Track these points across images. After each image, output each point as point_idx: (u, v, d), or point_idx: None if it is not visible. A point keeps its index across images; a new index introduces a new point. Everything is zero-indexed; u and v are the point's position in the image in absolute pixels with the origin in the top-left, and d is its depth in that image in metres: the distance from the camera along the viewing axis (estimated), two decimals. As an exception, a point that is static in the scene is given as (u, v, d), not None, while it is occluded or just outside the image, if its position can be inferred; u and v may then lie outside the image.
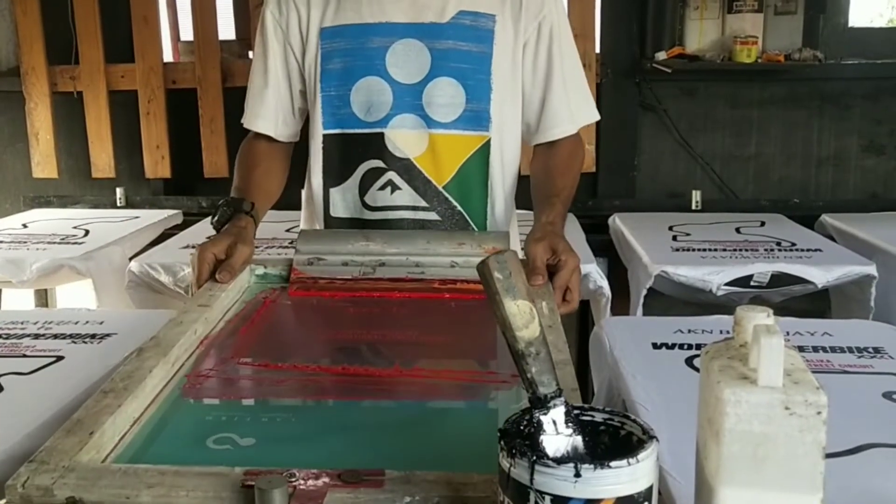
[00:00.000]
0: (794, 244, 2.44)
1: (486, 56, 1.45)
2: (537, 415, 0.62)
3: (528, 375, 0.63)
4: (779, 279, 2.21)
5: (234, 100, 3.27)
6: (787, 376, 0.58)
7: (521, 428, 0.62)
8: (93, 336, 1.49)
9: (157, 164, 3.34)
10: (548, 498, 0.55)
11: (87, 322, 1.58)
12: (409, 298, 1.26)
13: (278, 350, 1.13)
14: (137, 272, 2.23)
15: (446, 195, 1.48)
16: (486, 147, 1.48)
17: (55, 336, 1.50)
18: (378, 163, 1.47)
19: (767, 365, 0.57)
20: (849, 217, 2.80)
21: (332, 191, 1.51)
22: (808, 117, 3.29)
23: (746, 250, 2.37)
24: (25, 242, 2.52)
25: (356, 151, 1.48)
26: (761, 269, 2.20)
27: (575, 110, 1.52)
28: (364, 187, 1.49)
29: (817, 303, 2.46)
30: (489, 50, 1.45)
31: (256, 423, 0.91)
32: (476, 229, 1.50)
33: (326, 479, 0.72)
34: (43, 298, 3.03)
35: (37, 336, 1.50)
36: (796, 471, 0.57)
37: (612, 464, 0.55)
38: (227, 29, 3.46)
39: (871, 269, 2.17)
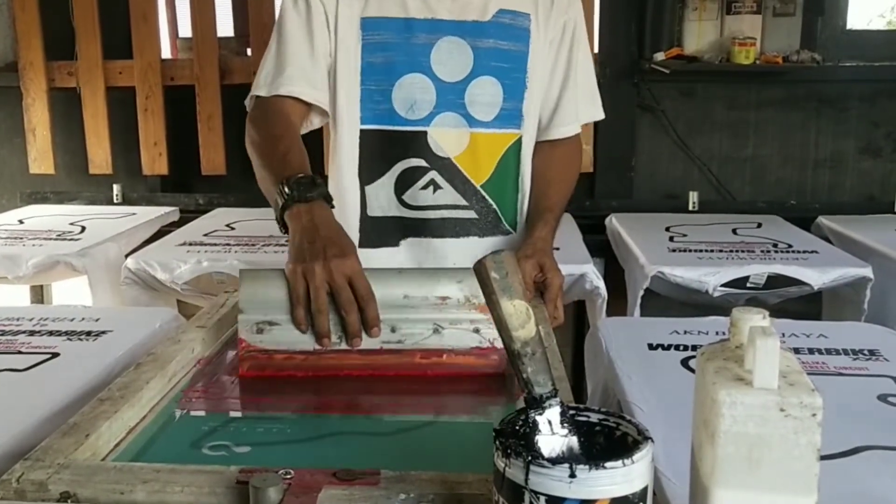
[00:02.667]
0: (790, 246, 2.45)
1: (522, 55, 1.46)
2: (533, 415, 0.62)
3: (524, 375, 0.63)
4: (775, 281, 2.21)
5: (233, 97, 3.27)
6: (783, 378, 0.58)
7: (517, 428, 0.62)
8: (88, 333, 1.49)
9: (154, 160, 3.33)
10: (543, 498, 0.55)
11: (82, 319, 1.58)
12: (382, 377, 1.06)
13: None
14: (133, 269, 2.22)
15: (483, 194, 1.48)
16: (517, 144, 1.49)
17: (51, 333, 1.49)
18: (419, 161, 1.44)
19: (763, 367, 0.57)
20: (845, 219, 2.80)
21: (368, 189, 1.46)
22: (806, 119, 3.29)
23: (743, 252, 2.37)
24: (21, 238, 2.51)
25: (396, 149, 1.44)
26: (758, 271, 2.20)
27: (582, 109, 1.54)
28: (401, 185, 1.45)
29: (813, 305, 2.46)
30: (525, 49, 1.46)
31: (252, 432, 0.91)
32: (508, 227, 1.50)
33: (321, 478, 0.72)
34: (38, 295, 3.03)
35: (32, 333, 1.49)
36: (791, 472, 0.57)
37: (608, 464, 0.55)
38: (225, 26, 3.46)
39: (867, 272, 2.18)
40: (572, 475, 0.55)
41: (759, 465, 0.57)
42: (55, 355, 1.38)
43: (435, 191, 1.46)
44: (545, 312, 1.32)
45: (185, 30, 3.51)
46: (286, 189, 1.17)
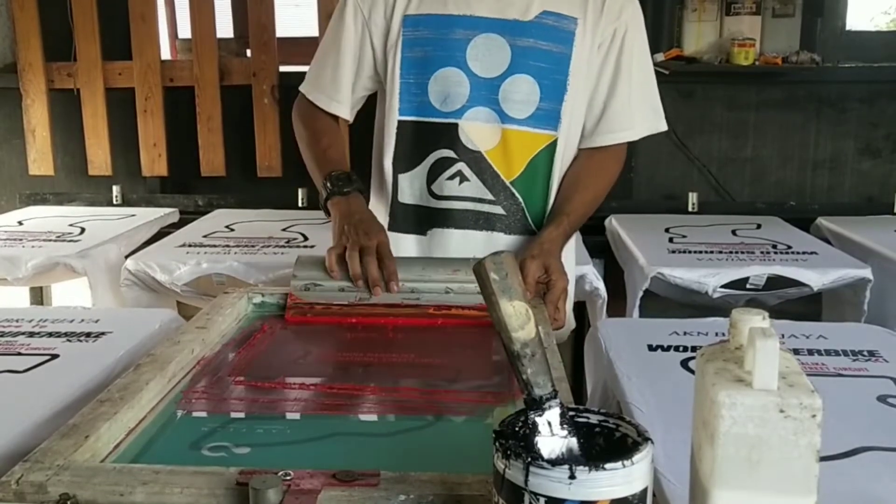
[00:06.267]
0: (789, 247, 2.45)
1: (565, 57, 1.46)
2: (532, 416, 0.62)
3: (524, 377, 0.63)
4: (775, 282, 2.21)
5: (232, 98, 3.28)
6: (782, 379, 0.58)
7: (517, 429, 0.62)
8: (88, 334, 1.49)
9: (153, 161, 3.34)
10: (542, 499, 0.55)
11: (82, 320, 1.57)
12: (403, 324, 1.27)
13: (274, 370, 1.13)
14: (133, 270, 2.22)
15: (513, 190, 1.50)
16: (552, 146, 1.50)
17: (50, 334, 1.49)
18: (449, 153, 1.49)
19: (762, 367, 0.57)
20: (844, 220, 2.80)
21: (401, 177, 1.52)
22: (805, 120, 3.30)
23: (742, 253, 2.37)
24: (21, 240, 2.51)
25: (429, 140, 1.50)
26: (757, 272, 2.20)
27: (637, 119, 1.52)
28: (432, 176, 1.51)
29: (813, 306, 2.46)
30: (569, 51, 1.46)
31: (251, 433, 0.91)
32: (535, 227, 1.51)
33: (321, 479, 0.72)
34: (38, 296, 3.03)
35: (31, 334, 1.49)
36: (790, 473, 0.57)
37: (607, 465, 0.55)
38: (224, 27, 3.46)
39: (867, 273, 2.17)
40: (572, 476, 0.55)
41: (759, 466, 0.57)
42: (55, 357, 1.37)
43: (461, 182, 1.49)
44: (546, 313, 1.32)
45: (185, 31, 3.52)
46: (328, 184, 1.44)
